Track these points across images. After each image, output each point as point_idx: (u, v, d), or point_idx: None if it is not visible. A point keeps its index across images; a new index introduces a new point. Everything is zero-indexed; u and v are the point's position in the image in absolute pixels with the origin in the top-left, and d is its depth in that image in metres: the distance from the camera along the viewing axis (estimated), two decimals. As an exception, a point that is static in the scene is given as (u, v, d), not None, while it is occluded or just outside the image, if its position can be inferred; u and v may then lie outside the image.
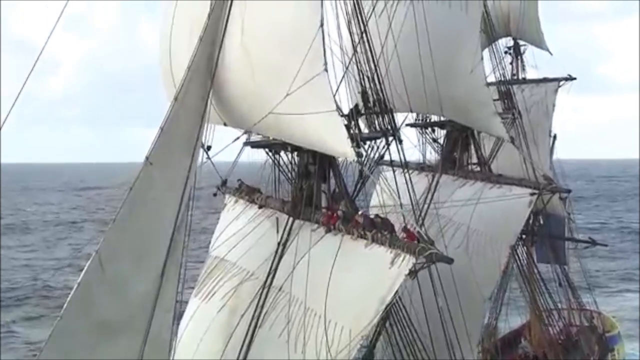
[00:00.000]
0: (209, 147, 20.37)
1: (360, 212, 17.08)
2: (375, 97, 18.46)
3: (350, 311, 15.10)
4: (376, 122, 18.57)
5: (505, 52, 34.16)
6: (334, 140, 15.12)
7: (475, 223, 23.06)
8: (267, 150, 19.42)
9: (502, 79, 27.80)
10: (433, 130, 27.31)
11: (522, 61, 34.78)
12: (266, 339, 16.37)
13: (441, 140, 26.96)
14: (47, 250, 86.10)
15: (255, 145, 19.28)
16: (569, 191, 25.70)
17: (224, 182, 22.11)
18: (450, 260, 14.65)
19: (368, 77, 18.39)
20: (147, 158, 14.27)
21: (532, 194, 22.49)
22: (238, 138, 18.00)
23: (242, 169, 21.05)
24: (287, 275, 16.96)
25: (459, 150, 26.42)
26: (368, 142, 18.44)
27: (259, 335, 16.51)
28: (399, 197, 18.14)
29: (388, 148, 18.35)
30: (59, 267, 67.91)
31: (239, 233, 19.90)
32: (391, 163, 18.84)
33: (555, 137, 34.85)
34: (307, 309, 15.91)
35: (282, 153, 19.26)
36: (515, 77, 34.44)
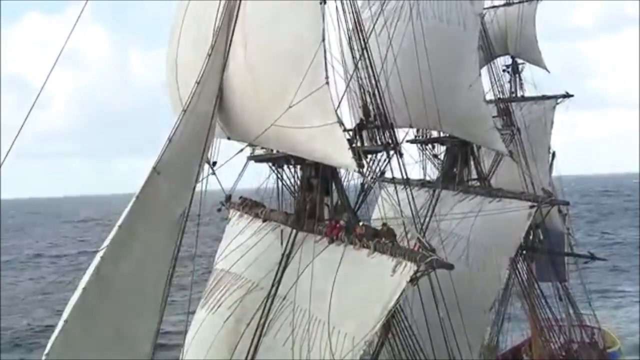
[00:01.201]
0: (214, 163, 21.07)
1: (361, 223, 17.48)
2: (375, 111, 18.94)
3: (353, 318, 15.53)
4: (377, 135, 19.03)
5: (504, 71, 34.88)
6: (336, 151, 15.62)
7: (475, 235, 23.54)
8: (270, 164, 19.94)
9: (501, 96, 28.30)
10: (433, 147, 27.84)
11: (520, 79, 35.43)
12: (271, 347, 16.79)
13: (441, 157, 27.45)
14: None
15: (258, 159, 19.79)
16: (567, 203, 26.20)
17: (228, 197, 22.56)
18: (450, 267, 15.15)
19: (369, 92, 18.88)
20: (154, 168, 14.71)
21: (531, 207, 22.98)
22: (242, 150, 18.40)
23: (246, 184, 21.48)
24: (292, 285, 17.39)
25: (459, 166, 26.88)
26: (370, 156, 19.00)
27: (264, 343, 16.93)
28: (401, 210, 18.67)
29: (389, 161, 18.80)
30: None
31: (244, 246, 20.38)
32: (393, 179, 19.32)
33: (554, 154, 35.36)
34: (311, 317, 16.35)
35: (285, 167, 19.81)
36: (514, 95, 35.04)
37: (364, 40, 18.43)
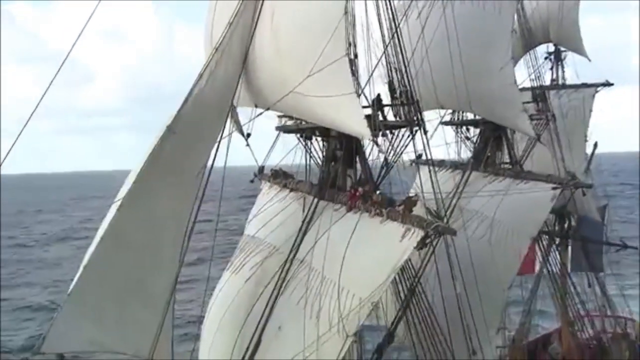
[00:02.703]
0: (248, 135, 22.11)
1: (378, 192, 18.30)
2: (401, 88, 19.63)
3: (361, 280, 16.38)
4: (401, 112, 19.71)
5: (546, 58, 35.10)
6: (351, 120, 16.44)
7: (499, 215, 24.13)
8: (298, 135, 20.87)
9: (536, 83, 28.65)
10: (468, 129, 28.41)
11: (562, 66, 35.50)
12: (285, 306, 17.75)
13: (474, 139, 28.02)
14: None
15: (287, 130, 20.76)
16: (590, 186, 26.46)
17: (261, 169, 23.60)
18: (453, 232, 15.86)
19: (395, 69, 19.57)
20: (168, 126, 15.59)
21: (554, 188, 23.43)
22: (261, 114, 19.29)
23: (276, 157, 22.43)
24: (309, 249, 18.34)
25: (491, 149, 27.41)
26: (395, 132, 19.74)
27: (279, 303, 17.90)
28: (421, 186, 19.55)
29: (413, 138, 19.48)
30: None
31: (270, 214, 21.48)
32: (425, 160, 19.97)
33: (596, 144, 35.46)
34: (324, 278, 17.26)
35: (313, 140, 20.72)
36: (555, 83, 35.18)
37: (394, 17, 19.13)
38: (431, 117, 27.35)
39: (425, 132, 19.77)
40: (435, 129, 28.16)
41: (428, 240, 16.25)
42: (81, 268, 15.28)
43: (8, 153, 13.90)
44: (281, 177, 22.61)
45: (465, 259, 21.70)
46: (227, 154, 17.47)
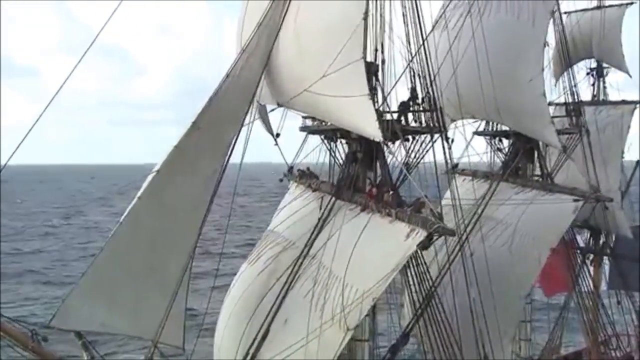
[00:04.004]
0: (277, 135, 23.14)
1: (390, 192, 19.09)
2: (424, 94, 20.30)
3: (365, 276, 17.19)
4: (423, 118, 20.39)
5: (588, 74, 35.28)
6: (365, 122, 17.32)
7: (522, 224, 24.66)
8: (322, 137, 21.81)
9: (570, 98, 28.93)
10: (500, 140, 28.93)
11: (604, 82, 35.57)
12: (293, 299, 18.66)
13: (505, 150, 28.55)
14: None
15: (310, 131, 21.74)
16: (611, 200, 26.65)
17: (290, 169, 24.62)
18: (452, 233, 16.61)
19: (419, 75, 20.26)
20: (194, 122, 16.79)
21: (575, 200, 23.84)
22: (273, 110, 20.35)
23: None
24: (321, 246, 19.25)
25: (520, 160, 27.86)
26: (417, 137, 20.49)
27: (288, 295, 18.83)
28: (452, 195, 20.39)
29: (433, 144, 20.19)
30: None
31: (291, 210, 22.45)
32: (453, 169, 20.45)
33: (638, 162, 35.45)
34: (331, 274, 18.16)
35: (334, 141, 21.63)
36: (596, 99, 35.33)
37: (420, 24, 19.85)
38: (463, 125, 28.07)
39: (447, 139, 20.45)
40: (471, 140, 28.86)
41: (434, 240, 17.01)
42: (99, 251, 16.46)
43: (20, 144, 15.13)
44: (307, 177, 23.54)
45: (483, 266, 22.33)
46: (244, 151, 18.53)
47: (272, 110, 21.48)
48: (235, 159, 18.17)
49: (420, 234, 16.77)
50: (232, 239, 75.68)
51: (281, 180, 25.56)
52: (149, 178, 16.77)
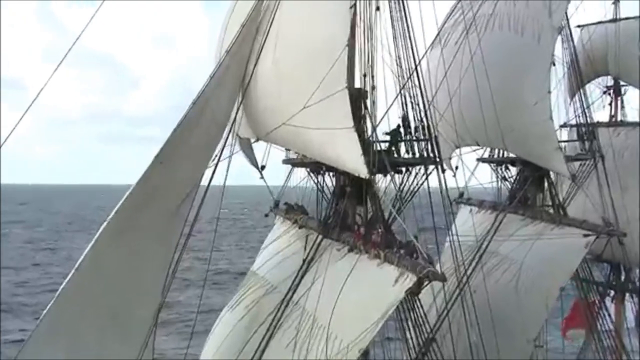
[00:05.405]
0: (262, 167, 22.35)
1: (379, 232, 18.09)
2: (418, 122, 19.35)
3: (351, 325, 16.28)
4: (414, 148, 19.44)
5: (604, 92, 34.12)
6: (348, 156, 16.41)
7: (529, 260, 23.56)
8: (308, 170, 20.90)
9: (582, 119, 27.91)
10: (507, 168, 27.84)
11: (622, 102, 34.37)
12: (275, 349, 17.76)
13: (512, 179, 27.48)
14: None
15: (292, 163, 20.88)
16: (624, 235, 25.49)
17: (277, 203, 23.74)
18: (443, 278, 15.58)
19: (411, 102, 19.34)
20: (157, 156, 15.91)
21: (585, 235, 22.74)
22: (257, 141, 19.49)
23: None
24: (305, 291, 18.28)
25: (530, 190, 26.77)
26: (411, 169, 19.57)
27: (269, 346, 17.87)
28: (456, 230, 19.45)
29: (427, 177, 19.23)
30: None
31: (274, 250, 21.54)
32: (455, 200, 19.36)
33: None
34: (315, 322, 17.21)
35: (321, 174, 20.72)
36: (614, 119, 34.15)
37: (412, 48, 18.97)
38: (466, 153, 27.14)
39: (444, 171, 19.50)
40: (475, 168, 27.87)
41: (423, 286, 16.01)
42: (56, 296, 15.52)
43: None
44: (294, 211, 22.61)
45: (485, 307, 21.32)
46: (225, 178, 17.64)
47: (255, 141, 20.71)
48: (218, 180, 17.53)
49: (410, 279, 15.83)
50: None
51: (266, 215, 24.72)
52: (110, 215, 15.87)
